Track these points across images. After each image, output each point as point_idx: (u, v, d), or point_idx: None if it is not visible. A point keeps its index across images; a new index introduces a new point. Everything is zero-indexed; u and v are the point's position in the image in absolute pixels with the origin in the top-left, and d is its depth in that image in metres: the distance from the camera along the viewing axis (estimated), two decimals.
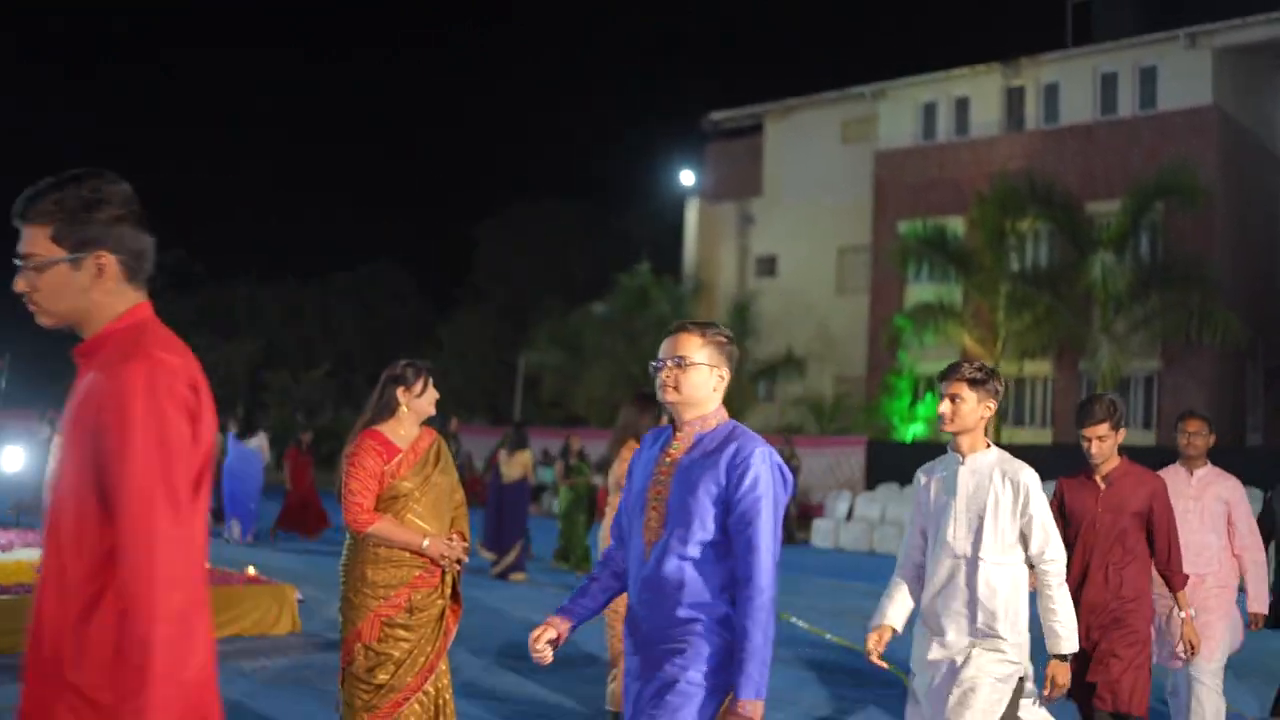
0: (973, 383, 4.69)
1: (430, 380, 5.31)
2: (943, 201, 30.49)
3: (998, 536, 4.59)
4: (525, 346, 37.33)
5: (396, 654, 5.06)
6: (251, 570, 10.52)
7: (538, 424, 30.06)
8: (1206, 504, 6.81)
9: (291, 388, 44.83)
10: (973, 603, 4.58)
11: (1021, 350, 27.61)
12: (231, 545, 16.58)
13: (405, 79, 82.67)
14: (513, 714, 7.47)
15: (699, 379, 3.68)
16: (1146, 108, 28.94)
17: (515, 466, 15.36)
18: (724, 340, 3.76)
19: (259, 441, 17.75)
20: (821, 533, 22.73)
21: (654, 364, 3.72)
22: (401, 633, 5.07)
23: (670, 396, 3.70)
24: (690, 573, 3.56)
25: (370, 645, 5.05)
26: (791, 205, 35.50)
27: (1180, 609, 5.99)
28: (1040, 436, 28.74)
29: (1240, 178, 28.44)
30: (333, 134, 79.54)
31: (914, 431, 29.60)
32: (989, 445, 4.75)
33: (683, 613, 3.55)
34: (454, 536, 5.29)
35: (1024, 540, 4.63)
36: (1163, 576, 5.90)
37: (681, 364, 3.68)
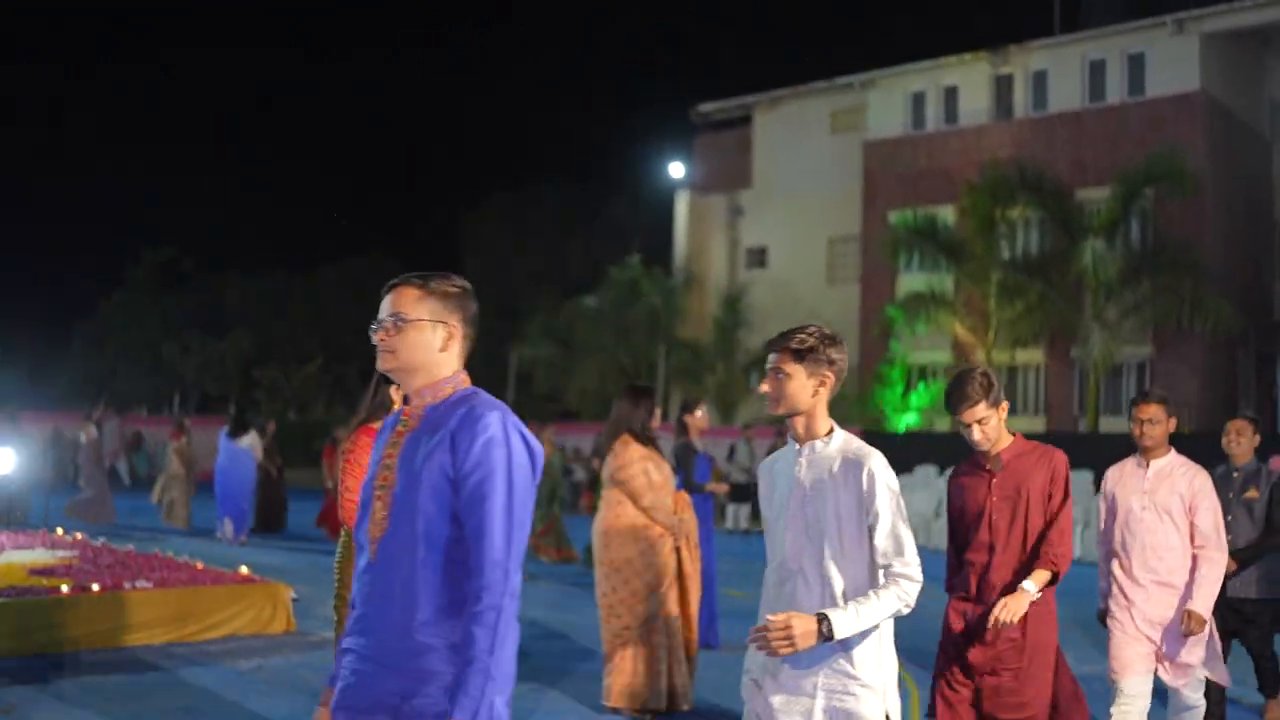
0: (799, 354, 3.71)
1: None
2: (933, 191, 30.50)
3: (843, 545, 3.62)
4: (517, 340, 37.27)
5: None
6: (245, 570, 10.48)
7: (531, 418, 30.03)
8: (1162, 500, 5.91)
9: (283, 384, 44.74)
10: (803, 602, 3.63)
11: (1014, 338, 27.68)
12: (224, 545, 16.53)
13: (405, 79, 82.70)
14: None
15: (420, 338, 3.07)
16: (1135, 94, 28.96)
17: None
18: (454, 290, 3.16)
19: (250, 440, 17.70)
20: None
21: (372, 327, 3.09)
22: None
23: (387, 363, 3.08)
24: (421, 578, 2.91)
25: None
26: (781, 196, 35.50)
27: (1025, 581, 4.80)
28: (1034, 425, 28.73)
29: (1229, 163, 28.47)
30: (322, 127, 79.52)
31: (907, 421, 29.61)
32: (833, 430, 3.78)
33: (413, 629, 2.90)
34: None
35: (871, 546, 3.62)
36: (1035, 556, 4.88)
37: (398, 322, 3.05)
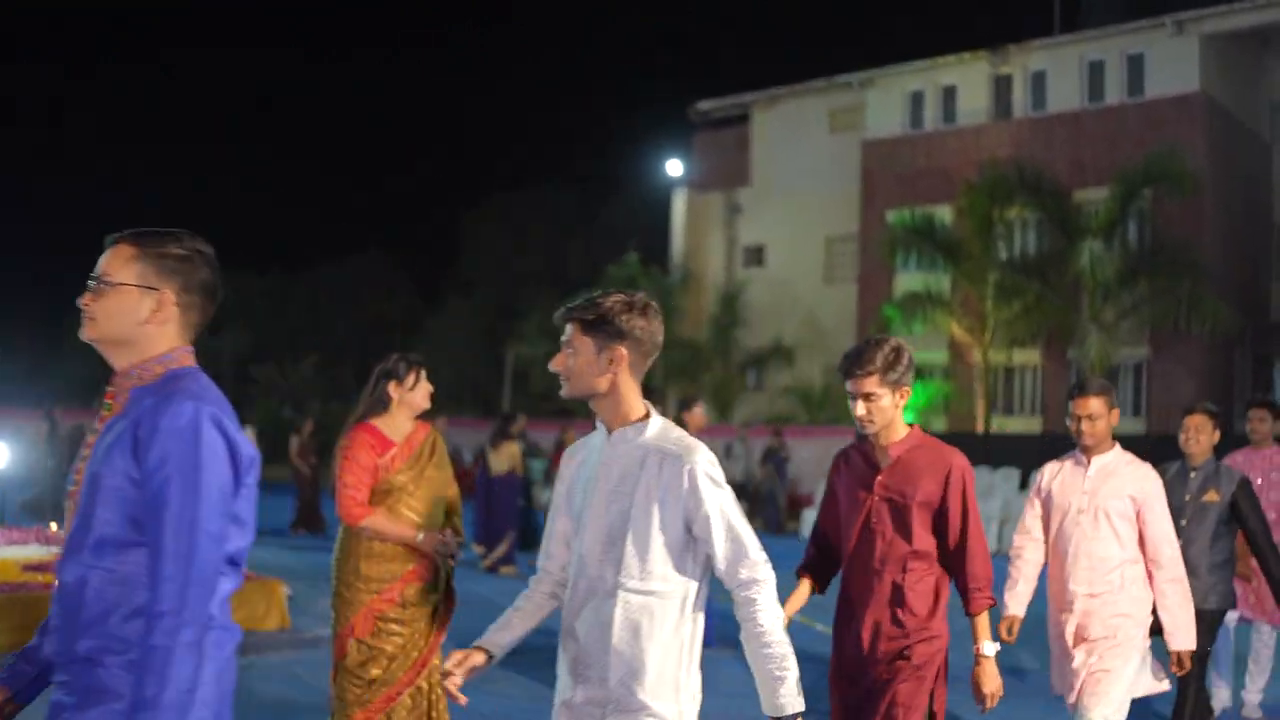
0: (586, 325, 3.14)
1: (423, 374, 5.29)
2: (931, 190, 30.46)
3: (647, 550, 3.08)
4: (514, 338, 37.27)
5: (389, 648, 5.05)
6: None
7: (528, 416, 30.06)
8: (1102, 502, 5.22)
9: (279, 381, 44.72)
10: (607, 652, 3.10)
11: (1010, 339, 27.64)
12: None
13: (405, 79, 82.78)
14: (504, 709, 7.44)
15: (121, 306, 2.60)
16: (1134, 95, 28.94)
17: (502, 459, 15.32)
18: (174, 253, 2.64)
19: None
20: (811, 523, 22.70)
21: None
22: (395, 627, 5.06)
23: (88, 332, 2.65)
24: (92, 587, 2.46)
25: (363, 640, 5.04)
26: (779, 195, 35.45)
27: (975, 641, 4.24)
28: (1030, 425, 28.75)
29: (1228, 164, 28.46)
30: (322, 126, 79.51)
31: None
32: (648, 414, 3.21)
33: (82, 645, 2.46)
34: (448, 531, 5.26)
35: (707, 554, 3.14)
36: (960, 594, 4.23)
37: (100, 285, 2.61)
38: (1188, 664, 5.24)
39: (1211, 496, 6.30)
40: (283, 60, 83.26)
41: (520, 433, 17.58)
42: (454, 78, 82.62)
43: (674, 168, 37.77)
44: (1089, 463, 5.34)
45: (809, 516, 22.91)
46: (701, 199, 37.90)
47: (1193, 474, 6.38)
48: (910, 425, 4.28)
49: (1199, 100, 27.76)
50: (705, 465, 3.12)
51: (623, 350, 3.13)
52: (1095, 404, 5.28)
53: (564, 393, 3.22)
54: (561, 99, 75.49)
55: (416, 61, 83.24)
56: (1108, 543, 5.19)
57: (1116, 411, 5.37)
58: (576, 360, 3.15)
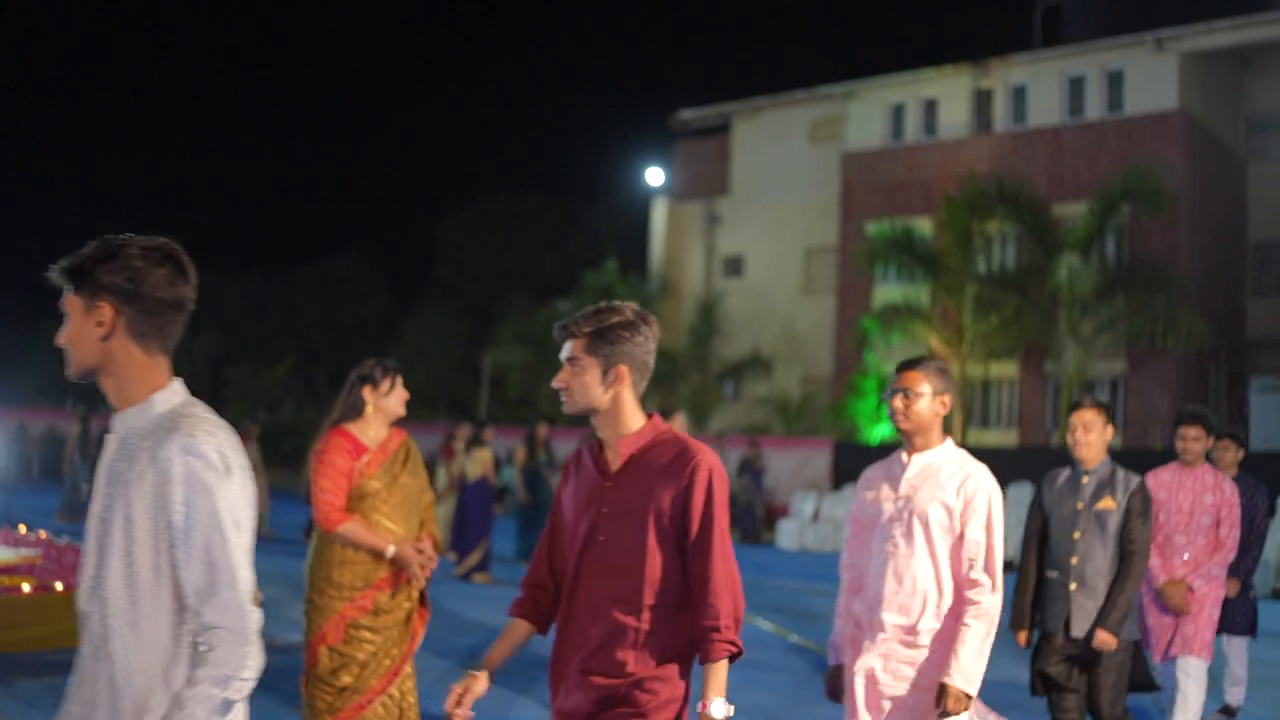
0: (70, 273, 2.51)
1: (399, 380, 5.26)
2: (910, 202, 30.55)
3: (136, 581, 2.37)
4: (491, 344, 37.23)
5: (361, 656, 5.02)
6: None
7: (505, 423, 30.04)
8: (918, 509, 4.16)
9: (253, 384, 44.56)
10: (98, 698, 2.40)
11: (988, 352, 27.73)
12: None
13: (387, 84, 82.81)
14: (479, 716, 7.38)
15: None
16: (1114, 111, 29.08)
17: (476, 465, 15.26)
18: None
19: None
20: (787, 533, 22.70)
21: None
22: (366, 634, 5.03)
23: None
24: None
25: (335, 647, 5.01)
26: (759, 205, 35.51)
27: (703, 696, 3.04)
28: (1006, 438, 28.82)
29: (1205, 182, 28.62)
30: (301, 129, 79.36)
31: (880, 433, 29.65)
32: (162, 389, 2.49)
33: None
34: (424, 539, 5.24)
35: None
36: (695, 635, 3.06)
37: None
38: (953, 710, 4.01)
39: (1107, 504, 5.44)
40: (263, 62, 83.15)
41: (544, 440, 17.48)
42: (436, 83, 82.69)
43: (654, 176, 37.80)
44: (909, 461, 4.28)
45: (785, 527, 22.92)
46: (681, 208, 37.93)
47: (1085, 479, 5.52)
48: (650, 415, 3.20)
49: (1178, 117, 27.92)
50: (199, 451, 2.35)
51: (107, 308, 2.45)
52: (919, 379, 4.23)
53: (68, 372, 2.55)
54: (543, 105, 75.63)
55: (399, 66, 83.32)
56: (922, 563, 4.14)
57: (948, 398, 4.29)
58: (69, 328, 2.50)
